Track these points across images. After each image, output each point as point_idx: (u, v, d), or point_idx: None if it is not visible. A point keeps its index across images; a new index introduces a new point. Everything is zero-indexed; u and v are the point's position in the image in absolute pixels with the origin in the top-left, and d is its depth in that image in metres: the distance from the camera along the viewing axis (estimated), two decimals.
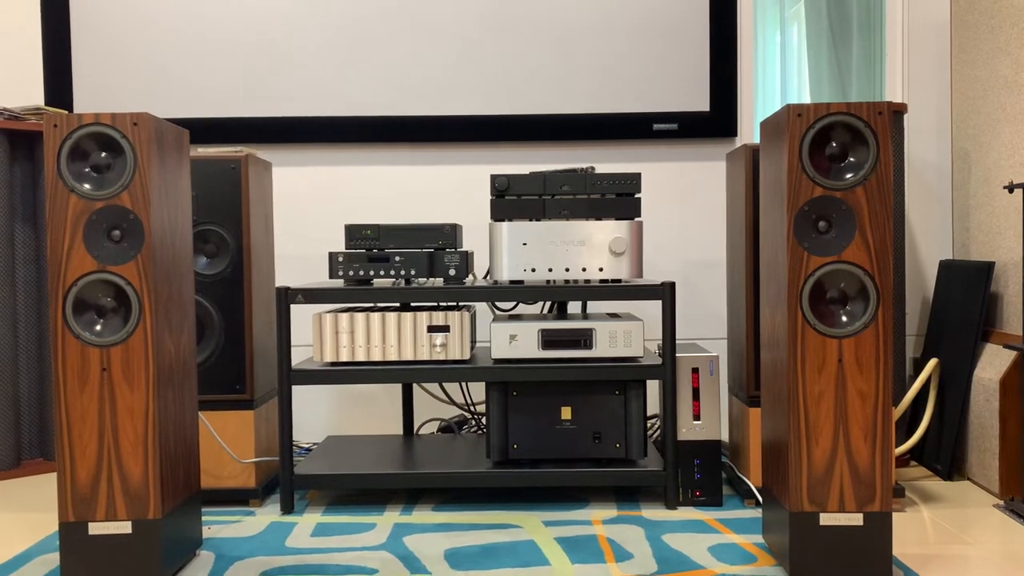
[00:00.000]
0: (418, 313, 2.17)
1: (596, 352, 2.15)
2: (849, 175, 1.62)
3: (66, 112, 2.67)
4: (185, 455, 1.79)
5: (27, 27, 2.77)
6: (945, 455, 2.39)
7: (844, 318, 1.64)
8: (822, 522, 1.64)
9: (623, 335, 2.15)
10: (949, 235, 2.76)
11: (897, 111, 2.28)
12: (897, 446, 2.32)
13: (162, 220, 1.68)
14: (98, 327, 1.64)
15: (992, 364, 2.29)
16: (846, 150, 1.63)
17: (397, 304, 2.34)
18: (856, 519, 1.63)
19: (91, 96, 2.75)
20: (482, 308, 2.75)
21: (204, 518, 2.11)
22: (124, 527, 1.64)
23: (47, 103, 2.74)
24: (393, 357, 2.17)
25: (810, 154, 1.62)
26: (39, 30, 2.76)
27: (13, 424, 2.57)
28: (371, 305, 2.40)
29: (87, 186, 1.62)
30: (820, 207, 1.62)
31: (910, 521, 2.04)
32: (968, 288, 2.43)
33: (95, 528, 1.64)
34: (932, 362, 2.40)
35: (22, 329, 2.62)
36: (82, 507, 1.64)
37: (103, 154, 1.63)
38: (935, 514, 2.09)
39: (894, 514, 2.06)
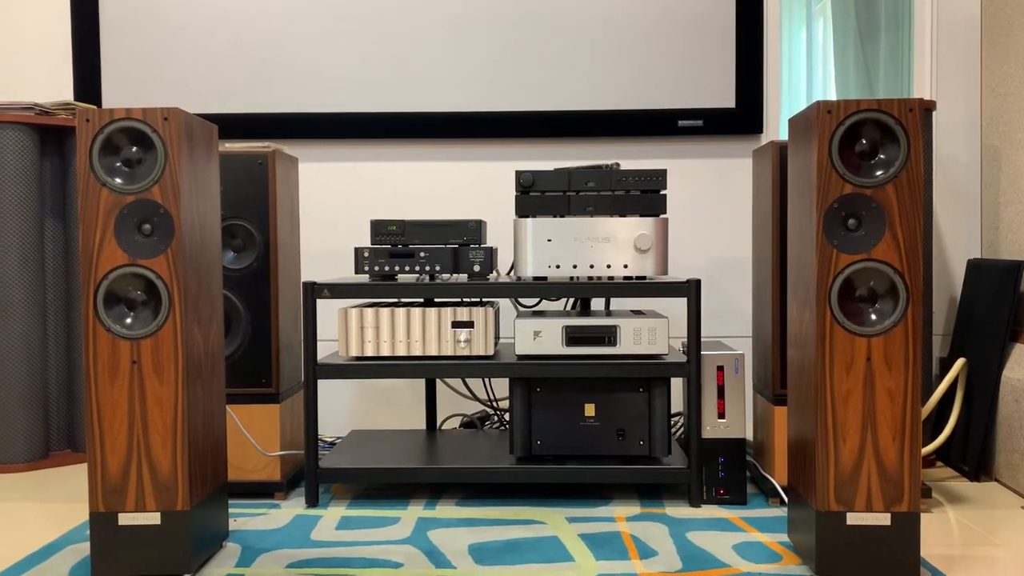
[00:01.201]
0: (442, 309, 2.18)
1: (620, 349, 2.15)
2: (879, 172, 1.61)
3: (96, 107, 2.70)
4: (213, 447, 1.81)
5: (56, 23, 2.80)
6: (972, 456, 2.37)
7: (873, 316, 1.62)
8: (849, 521, 1.63)
9: (647, 332, 2.15)
10: (977, 234, 2.73)
11: (926, 108, 2.26)
12: (923, 446, 2.30)
13: (192, 215, 1.69)
14: (128, 320, 1.66)
15: (1021, 365, 2.27)
16: (876, 147, 1.62)
17: (421, 300, 2.35)
18: (884, 519, 1.62)
19: (119, 91, 2.78)
20: (506, 304, 2.75)
21: (230, 510, 2.13)
22: (153, 518, 1.66)
23: (76, 98, 2.77)
24: (417, 352, 2.18)
25: (840, 151, 1.61)
26: (68, 26, 2.79)
27: (42, 416, 2.61)
28: (395, 300, 2.41)
29: (118, 180, 1.64)
30: (850, 204, 1.61)
31: (936, 522, 2.02)
32: (997, 288, 2.41)
33: (124, 519, 1.66)
34: (959, 362, 2.38)
35: (51, 322, 2.65)
36: (112, 498, 1.66)
37: (134, 149, 1.65)
38: (962, 515, 2.07)
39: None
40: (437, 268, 2.22)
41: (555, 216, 2.20)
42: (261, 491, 2.23)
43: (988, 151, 2.66)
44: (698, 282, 2.12)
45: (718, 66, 2.74)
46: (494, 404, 2.71)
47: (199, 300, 1.73)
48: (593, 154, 2.78)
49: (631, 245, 2.17)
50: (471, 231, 2.24)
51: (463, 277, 2.29)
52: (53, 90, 2.80)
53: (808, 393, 1.68)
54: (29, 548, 1.89)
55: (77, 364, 2.68)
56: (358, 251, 2.23)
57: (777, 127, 2.79)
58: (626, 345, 2.15)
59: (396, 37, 2.76)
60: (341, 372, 2.17)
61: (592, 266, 2.18)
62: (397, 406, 2.85)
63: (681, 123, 2.74)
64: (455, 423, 2.77)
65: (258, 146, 2.23)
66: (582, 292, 2.18)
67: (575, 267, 2.18)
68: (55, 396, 2.67)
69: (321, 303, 2.78)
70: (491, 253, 2.24)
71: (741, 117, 2.74)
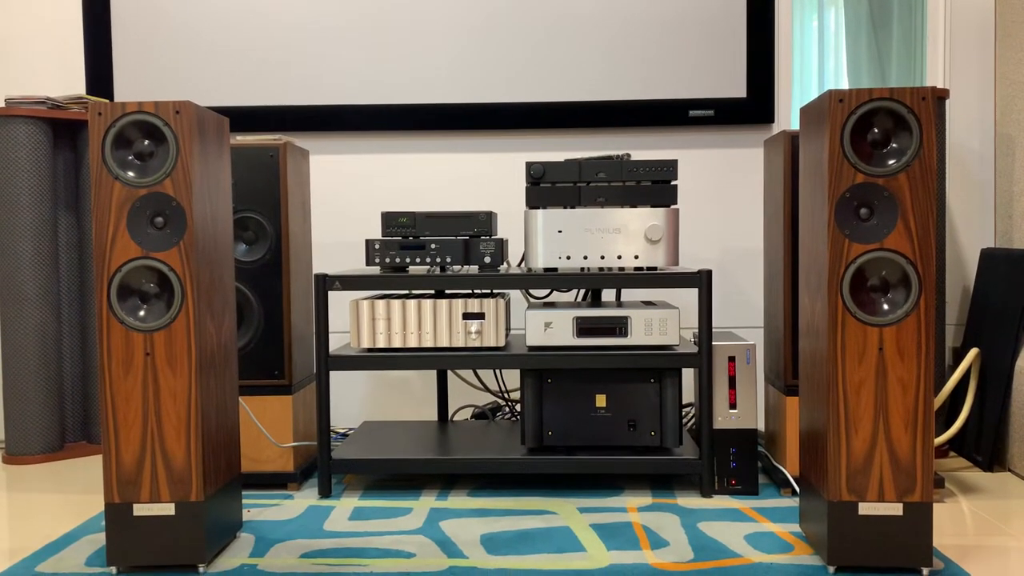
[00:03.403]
0: (453, 300, 2.18)
1: (631, 340, 2.15)
2: (892, 161, 1.60)
3: (108, 101, 2.71)
4: (226, 439, 1.82)
5: (69, 17, 2.81)
6: (986, 446, 2.36)
7: (885, 306, 1.62)
8: (861, 511, 1.63)
9: (659, 323, 2.15)
10: (991, 223, 2.71)
11: (939, 96, 2.25)
12: (936, 436, 2.30)
13: (204, 207, 1.70)
14: (142, 312, 1.67)
15: None
16: (888, 136, 1.61)
17: (432, 291, 2.35)
18: (896, 509, 1.62)
19: (131, 85, 2.79)
20: (516, 295, 2.75)
21: (243, 501, 2.14)
22: (167, 509, 1.67)
23: (88, 92, 2.78)
24: (429, 344, 2.18)
25: (852, 140, 1.60)
26: (80, 20, 2.80)
27: (57, 408, 2.63)
28: (407, 292, 2.41)
29: (131, 174, 1.65)
30: (862, 194, 1.60)
31: (949, 512, 2.02)
32: (1010, 277, 2.39)
33: (139, 510, 1.67)
34: (973, 352, 2.37)
35: (65, 314, 2.67)
36: (127, 489, 1.67)
37: (146, 142, 1.66)
38: (975, 505, 2.07)
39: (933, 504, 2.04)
40: (448, 260, 2.23)
41: (566, 207, 2.20)
42: (274, 482, 2.24)
43: (1002, 140, 2.64)
44: (709, 272, 2.12)
45: (729, 55, 2.73)
46: (505, 395, 2.71)
47: (212, 292, 1.74)
48: (604, 145, 2.78)
49: (642, 236, 2.17)
50: (482, 223, 2.24)
51: (474, 269, 2.29)
52: (65, 84, 2.81)
53: (820, 383, 1.67)
54: (46, 538, 1.91)
55: (92, 356, 2.70)
56: (369, 243, 2.23)
57: (789, 116, 2.77)
58: (637, 336, 2.15)
59: (406, 29, 2.75)
60: (353, 364, 2.18)
61: (603, 257, 2.18)
62: (409, 397, 2.86)
63: (692, 113, 2.73)
64: (467, 414, 2.78)
65: (269, 139, 2.24)
66: (593, 283, 2.18)
67: (586, 258, 2.18)
68: (70, 388, 2.69)
69: (333, 295, 2.79)
70: (502, 244, 2.24)
71: (752, 107, 2.73)
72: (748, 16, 2.72)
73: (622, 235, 2.17)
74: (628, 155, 2.27)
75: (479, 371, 2.73)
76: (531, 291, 2.64)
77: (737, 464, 2.14)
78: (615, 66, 2.74)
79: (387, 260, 2.23)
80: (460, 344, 2.19)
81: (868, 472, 1.62)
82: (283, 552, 1.80)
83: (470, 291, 2.38)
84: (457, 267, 2.30)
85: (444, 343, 2.19)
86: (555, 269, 2.21)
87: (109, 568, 1.69)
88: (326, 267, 2.83)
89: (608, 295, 2.73)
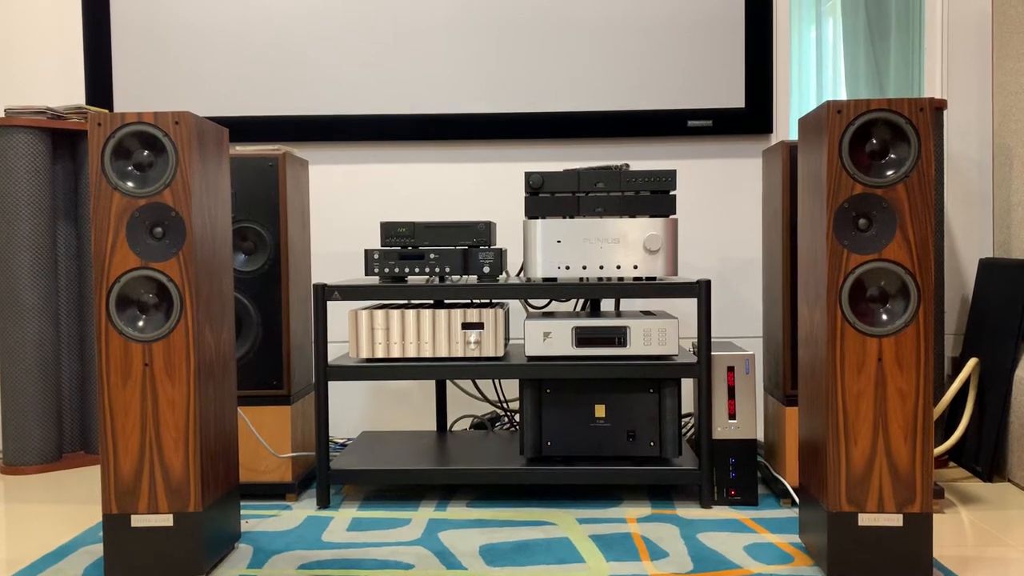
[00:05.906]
0: (452, 310, 2.18)
1: (630, 350, 2.15)
2: (890, 172, 1.60)
3: (108, 111, 2.72)
4: (224, 449, 1.81)
5: (68, 27, 2.82)
6: (985, 456, 2.36)
7: (884, 316, 1.62)
8: (861, 522, 1.62)
9: (657, 333, 2.15)
10: (989, 233, 2.72)
11: (937, 107, 2.25)
12: (936, 446, 2.29)
13: (203, 218, 1.70)
14: (140, 323, 1.67)
15: None
16: (887, 147, 1.61)
17: (431, 301, 2.35)
18: (896, 520, 1.62)
19: (131, 95, 2.80)
20: (515, 305, 2.75)
21: (242, 512, 2.14)
22: (166, 520, 1.67)
23: (88, 102, 2.78)
24: (428, 354, 2.18)
25: (850, 151, 1.60)
26: (80, 30, 2.81)
27: (55, 418, 2.62)
28: (405, 302, 2.41)
29: (130, 184, 1.65)
30: (860, 204, 1.61)
31: (949, 523, 2.01)
32: (1009, 287, 2.40)
33: (137, 520, 1.67)
34: (972, 362, 2.37)
35: (64, 324, 2.66)
36: (125, 500, 1.67)
37: (145, 152, 1.66)
38: (975, 515, 2.06)
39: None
40: (447, 270, 2.23)
41: (564, 217, 2.20)
42: (273, 492, 2.24)
43: (1000, 149, 2.65)
44: (708, 282, 2.12)
45: (727, 66, 2.73)
46: (504, 405, 2.71)
47: (211, 302, 1.74)
48: (602, 155, 2.78)
49: (641, 246, 2.17)
50: (480, 232, 2.25)
51: (473, 278, 2.29)
52: (65, 94, 2.82)
53: (819, 394, 1.67)
54: (43, 549, 1.90)
55: (90, 366, 2.69)
56: (368, 253, 2.24)
57: (787, 127, 2.78)
58: (636, 346, 2.15)
59: (405, 39, 2.76)
60: (352, 374, 2.17)
61: (602, 267, 2.18)
62: (408, 407, 2.86)
63: (690, 123, 2.74)
64: (466, 424, 2.77)
65: (268, 149, 2.24)
66: (592, 293, 2.18)
67: (585, 268, 2.18)
68: (68, 398, 2.69)
69: (332, 305, 2.79)
70: (501, 254, 2.25)
71: (751, 117, 2.74)
72: (746, 27, 2.73)
73: (621, 245, 2.17)
74: (627, 165, 2.27)
75: (478, 381, 2.73)
76: (530, 301, 2.64)
77: (736, 474, 2.14)
78: (614, 76, 2.75)
79: (386, 270, 2.24)
80: (459, 354, 2.18)
81: (868, 483, 1.62)
82: (281, 563, 1.80)
83: (469, 301, 2.38)
84: (456, 277, 2.30)
85: (443, 353, 2.18)
86: (554, 279, 2.21)
87: None
88: (325, 277, 2.83)
89: (607, 305, 2.73)
